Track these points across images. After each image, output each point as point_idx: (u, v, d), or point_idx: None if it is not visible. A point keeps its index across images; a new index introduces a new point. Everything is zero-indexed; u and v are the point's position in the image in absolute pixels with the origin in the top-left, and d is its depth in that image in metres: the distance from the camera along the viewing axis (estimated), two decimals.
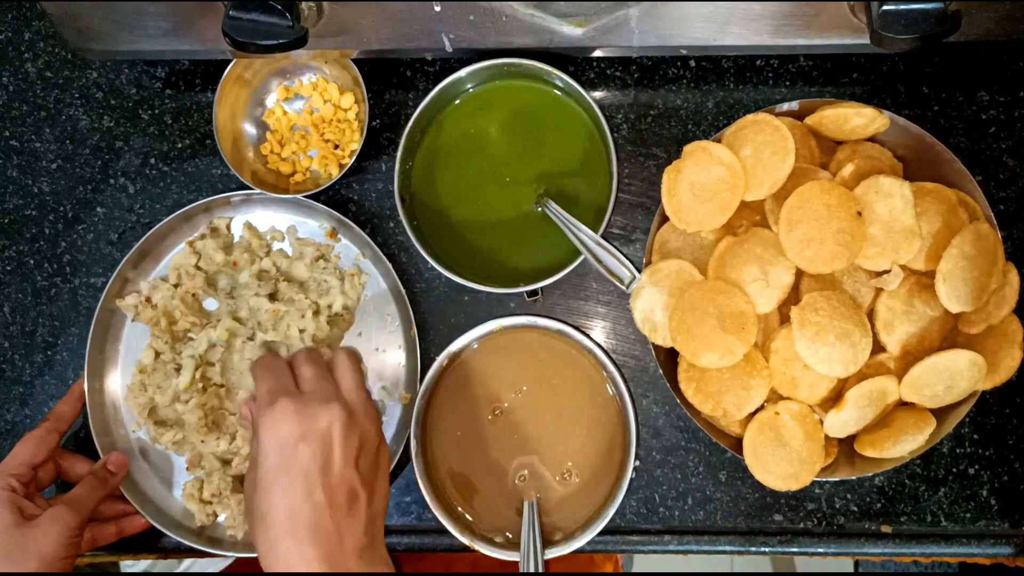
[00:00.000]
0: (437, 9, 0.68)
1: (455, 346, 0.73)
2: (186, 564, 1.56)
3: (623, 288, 0.70)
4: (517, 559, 0.70)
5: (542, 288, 0.73)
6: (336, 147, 0.81)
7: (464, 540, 0.72)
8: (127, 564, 1.50)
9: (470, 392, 0.75)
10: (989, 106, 0.78)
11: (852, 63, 0.79)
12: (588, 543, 0.72)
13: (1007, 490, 0.74)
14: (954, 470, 0.75)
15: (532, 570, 0.68)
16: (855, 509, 0.75)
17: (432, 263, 0.73)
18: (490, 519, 0.74)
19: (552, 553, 0.71)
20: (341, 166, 0.79)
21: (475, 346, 0.75)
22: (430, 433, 0.75)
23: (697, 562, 1.59)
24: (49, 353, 0.82)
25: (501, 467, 0.74)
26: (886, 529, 0.75)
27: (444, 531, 0.73)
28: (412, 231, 0.73)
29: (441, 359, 0.73)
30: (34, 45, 0.85)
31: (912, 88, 0.78)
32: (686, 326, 0.68)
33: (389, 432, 0.78)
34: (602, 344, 0.75)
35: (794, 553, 0.76)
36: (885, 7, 0.62)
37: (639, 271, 0.71)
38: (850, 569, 1.40)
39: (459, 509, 0.74)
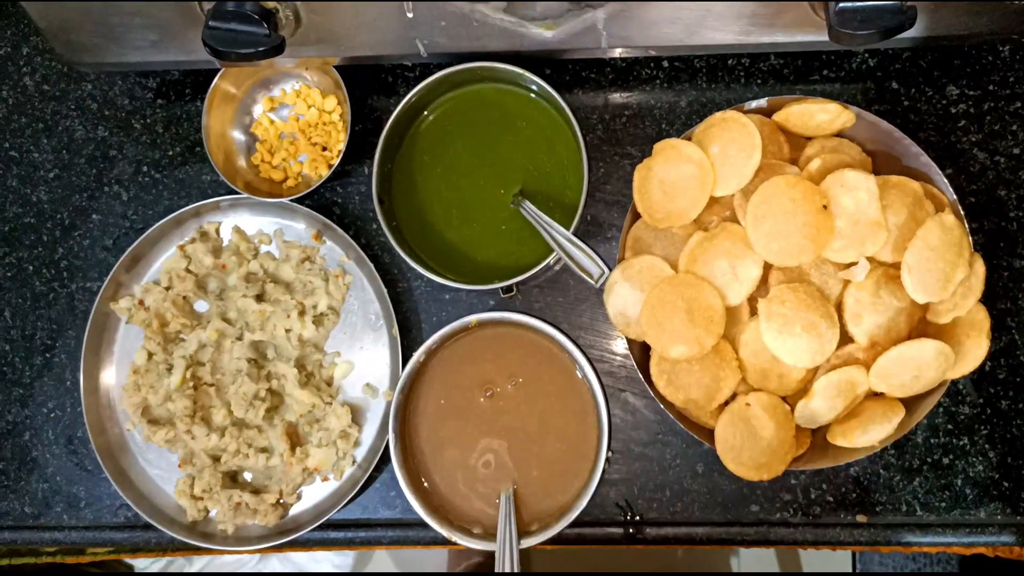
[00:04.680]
0: (410, 15, 0.70)
1: (431, 342, 0.75)
2: (201, 564, 1.58)
3: (593, 284, 0.72)
4: (494, 549, 0.72)
5: (517, 285, 0.75)
6: (324, 149, 0.83)
7: (443, 532, 0.74)
8: (144, 564, 1.52)
9: (447, 387, 0.76)
10: (959, 100, 0.79)
11: (822, 60, 0.80)
12: (566, 534, 0.74)
13: (981, 479, 0.75)
14: (928, 460, 0.76)
15: (508, 559, 0.70)
16: (831, 499, 0.76)
17: (410, 262, 0.75)
18: (468, 510, 0.75)
19: (528, 543, 0.72)
20: (330, 166, 0.82)
21: (452, 342, 0.77)
22: (409, 427, 0.77)
23: (703, 561, 1.59)
24: (48, 355, 0.85)
25: (478, 459, 0.76)
26: (862, 519, 0.75)
27: (427, 525, 0.75)
28: (390, 232, 0.76)
29: (418, 355, 0.75)
30: (32, 59, 0.88)
31: (882, 83, 0.79)
32: (657, 320, 0.70)
33: (373, 428, 0.80)
34: (581, 339, 0.77)
35: (771, 544, 0.77)
36: (841, 4, 0.63)
37: (611, 268, 0.73)
38: (849, 568, 1.40)
39: (438, 501, 0.76)
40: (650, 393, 0.73)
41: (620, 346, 0.79)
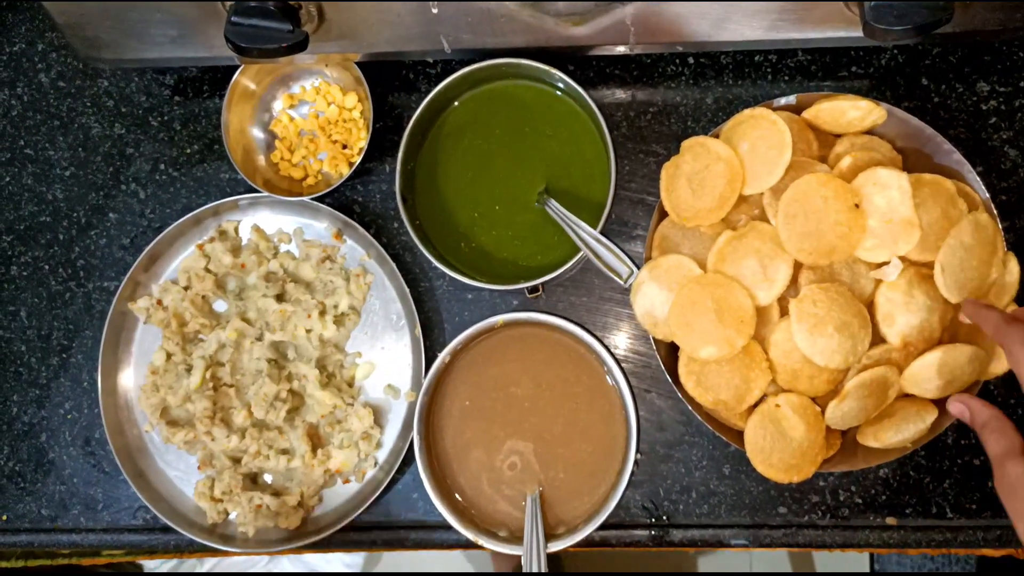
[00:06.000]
0: (435, 11, 0.69)
1: (456, 343, 0.74)
2: (210, 564, 1.58)
3: (621, 283, 0.71)
4: (521, 553, 0.71)
5: (543, 284, 0.74)
6: (344, 147, 0.82)
7: (468, 535, 0.73)
8: (154, 563, 1.51)
9: (471, 388, 0.76)
10: (989, 97, 0.77)
11: (851, 56, 0.79)
12: (592, 537, 0.73)
13: None
14: (959, 461, 0.75)
15: (535, 563, 0.69)
16: (860, 501, 0.75)
17: (434, 261, 0.74)
18: (493, 513, 0.74)
19: (555, 547, 0.71)
20: (351, 164, 0.81)
21: (477, 342, 0.76)
22: (433, 429, 0.76)
23: (717, 561, 1.59)
24: (64, 356, 0.84)
25: (503, 461, 0.75)
26: (891, 521, 0.75)
27: (451, 527, 0.74)
28: (414, 230, 0.75)
29: (443, 356, 0.74)
30: (47, 56, 0.87)
31: (912, 80, 0.78)
32: (685, 320, 0.69)
33: (394, 430, 0.79)
34: (606, 339, 0.76)
35: (799, 547, 0.76)
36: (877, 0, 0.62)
37: (638, 266, 0.72)
38: (867, 568, 1.39)
39: (463, 504, 0.75)
40: (676, 394, 0.72)
41: (644, 346, 0.78)
